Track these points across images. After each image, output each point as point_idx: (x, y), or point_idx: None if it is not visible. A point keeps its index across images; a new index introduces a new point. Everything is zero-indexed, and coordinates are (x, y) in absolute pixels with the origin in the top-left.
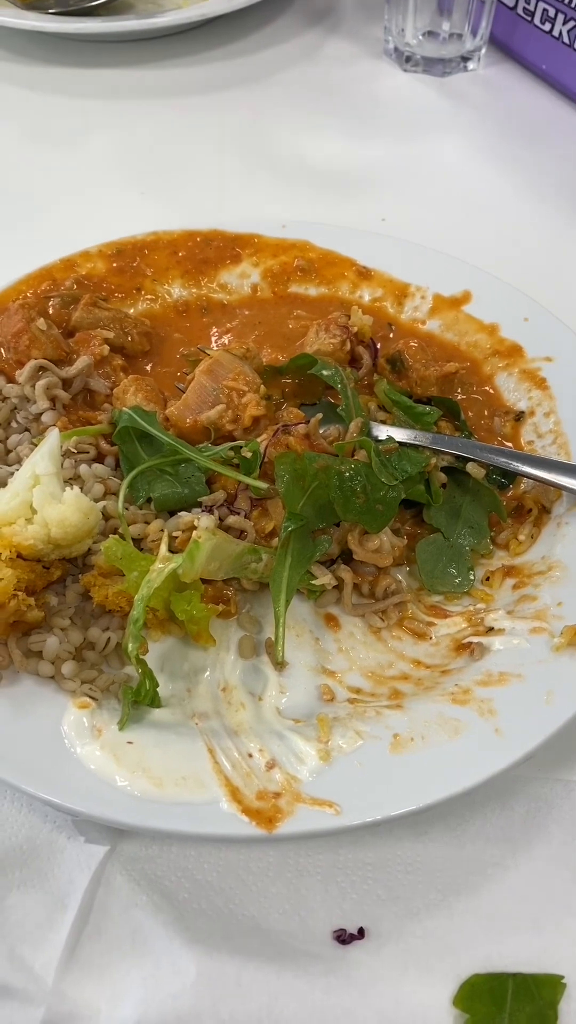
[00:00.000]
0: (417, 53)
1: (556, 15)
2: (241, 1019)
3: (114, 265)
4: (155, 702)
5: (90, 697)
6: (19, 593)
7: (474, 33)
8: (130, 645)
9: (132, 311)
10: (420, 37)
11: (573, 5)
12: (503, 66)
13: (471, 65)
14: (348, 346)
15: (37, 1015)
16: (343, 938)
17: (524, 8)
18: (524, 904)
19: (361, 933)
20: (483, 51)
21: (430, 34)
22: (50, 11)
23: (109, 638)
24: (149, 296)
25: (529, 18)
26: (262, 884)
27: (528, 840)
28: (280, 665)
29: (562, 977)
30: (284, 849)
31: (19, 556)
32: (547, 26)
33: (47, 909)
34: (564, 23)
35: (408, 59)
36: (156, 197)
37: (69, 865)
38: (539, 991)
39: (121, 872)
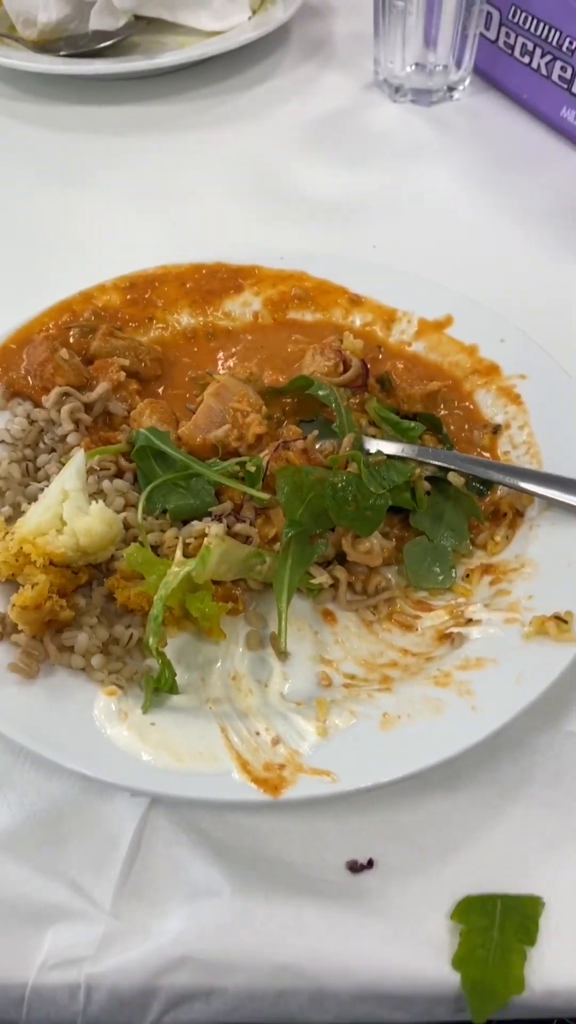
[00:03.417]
0: (405, 84)
1: (534, 49)
2: (271, 926)
3: (127, 297)
4: (173, 689)
5: (117, 685)
6: (53, 595)
7: (459, 64)
8: (150, 640)
9: (145, 339)
10: (408, 69)
11: (549, 40)
12: (487, 95)
13: (457, 95)
14: (341, 368)
15: (97, 932)
16: (355, 868)
17: (505, 42)
18: (510, 839)
19: (370, 864)
20: (468, 81)
21: (418, 66)
22: (61, 53)
23: (132, 634)
24: (160, 325)
25: (509, 51)
26: (284, 823)
27: (514, 783)
28: (283, 655)
29: (541, 898)
30: None
31: (51, 563)
32: (526, 59)
33: (102, 848)
34: (541, 56)
35: (397, 90)
36: (165, 229)
37: (119, 813)
38: (522, 908)
39: (164, 817)
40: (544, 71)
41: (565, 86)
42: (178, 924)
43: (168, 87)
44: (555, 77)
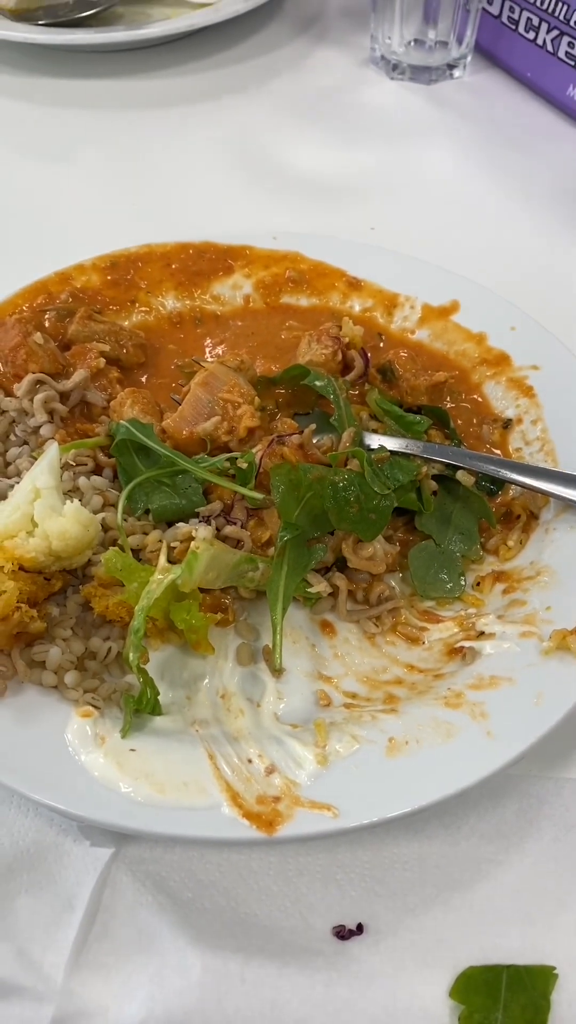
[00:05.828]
0: (404, 61)
1: (540, 24)
2: (245, 1014)
3: (108, 278)
4: (156, 710)
5: (92, 706)
6: (22, 605)
7: (460, 41)
8: (131, 654)
9: (127, 323)
10: (407, 45)
11: (556, 14)
12: (488, 73)
13: (457, 73)
14: (340, 356)
15: (47, 1013)
16: (342, 934)
17: (509, 17)
18: (517, 898)
19: (360, 929)
20: (469, 59)
21: (416, 42)
22: (40, 23)
23: (110, 648)
24: (143, 308)
25: (514, 27)
26: (263, 883)
27: (520, 837)
28: (277, 672)
29: (554, 968)
30: (284, 849)
31: (21, 568)
32: (531, 34)
33: (55, 910)
34: (548, 31)
35: (395, 67)
36: (148, 208)
37: (76, 868)
38: (532, 982)
39: (126, 873)
40: (550, 47)
41: (573, 63)
42: (139, 1007)
43: (153, 60)
44: (562, 54)
